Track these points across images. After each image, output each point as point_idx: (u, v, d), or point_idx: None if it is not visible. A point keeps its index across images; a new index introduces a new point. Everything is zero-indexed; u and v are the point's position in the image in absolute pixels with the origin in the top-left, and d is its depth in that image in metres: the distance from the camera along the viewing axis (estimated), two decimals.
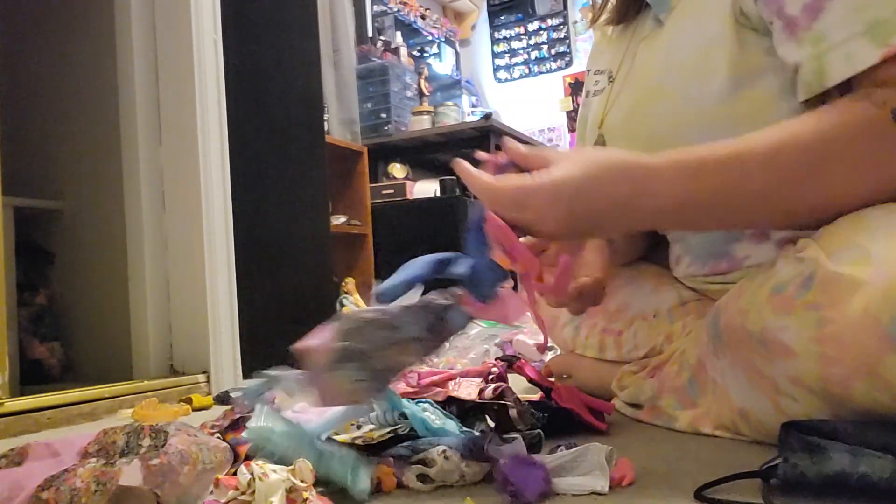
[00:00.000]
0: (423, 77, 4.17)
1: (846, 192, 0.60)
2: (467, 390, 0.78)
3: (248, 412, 0.83)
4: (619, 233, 0.64)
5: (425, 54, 4.75)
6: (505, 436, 0.63)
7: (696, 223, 0.68)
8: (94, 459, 0.53)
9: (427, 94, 4.14)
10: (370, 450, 0.67)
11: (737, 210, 0.62)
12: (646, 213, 0.60)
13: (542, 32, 5.12)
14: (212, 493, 0.54)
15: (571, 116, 4.93)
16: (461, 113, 3.92)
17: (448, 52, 5.03)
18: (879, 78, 0.60)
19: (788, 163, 0.59)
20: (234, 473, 0.54)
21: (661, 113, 0.78)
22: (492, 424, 0.73)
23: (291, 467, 0.54)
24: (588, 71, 1.01)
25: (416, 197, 3.36)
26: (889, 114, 0.58)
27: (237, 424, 0.79)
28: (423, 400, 0.73)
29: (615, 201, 0.58)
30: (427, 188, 3.37)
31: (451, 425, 0.69)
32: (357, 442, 0.67)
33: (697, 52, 0.74)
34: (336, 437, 0.69)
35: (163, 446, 0.55)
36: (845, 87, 0.63)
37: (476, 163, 0.63)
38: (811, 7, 0.63)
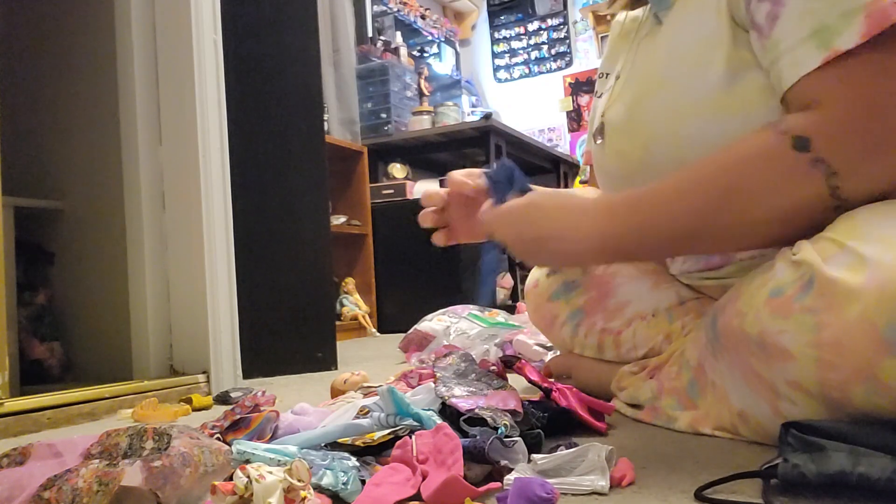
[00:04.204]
0: (423, 77, 4.17)
1: (755, 220, 0.62)
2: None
3: (249, 412, 0.83)
4: (566, 261, 0.73)
5: (425, 54, 4.75)
6: (506, 438, 0.63)
7: (623, 256, 0.73)
8: (96, 460, 0.53)
9: (427, 94, 4.14)
10: (370, 451, 0.67)
11: (655, 243, 0.67)
12: (581, 235, 0.68)
13: (542, 32, 5.12)
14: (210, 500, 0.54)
15: (571, 116, 4.94)
16: (461, 113, 3.91)
17: (448, 52, 5.03)
18: (821, 86, 0.61)
19: (692, 199, 0.64)
20: (230, 479, 0.54)
21: (660, 105, 0.79)
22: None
23: (288, 467, 0.54)
24: (599, 73, 1.03)
25: (416, 197, 3.36)
26: (789, 141, 0.60)
27: (237, 425, 0.79)
28: (427, 409, 0.73)
29: (553, 225, 0.69)
30: (427, 188, 3.37)
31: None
32: (357, 444, 0.68)
33: (697, 46, 0.76)
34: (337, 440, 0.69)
35: (166, 448, 0.55)
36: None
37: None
38: (771, 15, 0.66)
